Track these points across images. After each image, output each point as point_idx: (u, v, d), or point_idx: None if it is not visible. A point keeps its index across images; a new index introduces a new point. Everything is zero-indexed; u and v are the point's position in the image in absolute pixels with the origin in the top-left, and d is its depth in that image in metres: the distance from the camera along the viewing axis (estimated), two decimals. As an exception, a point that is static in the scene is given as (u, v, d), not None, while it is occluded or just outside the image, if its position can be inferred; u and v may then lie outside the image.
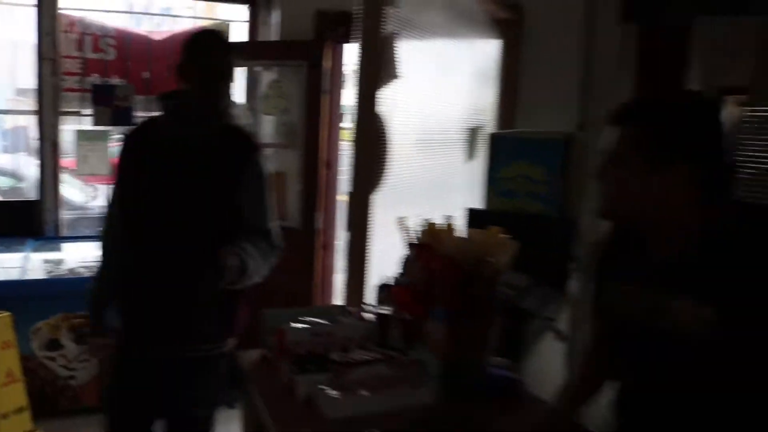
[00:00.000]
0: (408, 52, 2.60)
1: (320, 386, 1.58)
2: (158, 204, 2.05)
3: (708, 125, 1.36)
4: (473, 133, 3.35)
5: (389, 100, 2.28)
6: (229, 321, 2.10)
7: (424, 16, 2.69)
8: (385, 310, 1.85)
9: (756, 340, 1.21)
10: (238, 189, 2.05)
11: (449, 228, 1.88)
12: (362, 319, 1.94)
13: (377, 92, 2.08)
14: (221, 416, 3.00)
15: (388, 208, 2.31)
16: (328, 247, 4.26)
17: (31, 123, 4.78)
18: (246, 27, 4.65)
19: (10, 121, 4.58)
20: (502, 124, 3.50)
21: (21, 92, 4.85)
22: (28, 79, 4.49)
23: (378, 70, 2.03)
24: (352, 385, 1.59)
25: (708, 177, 1.34)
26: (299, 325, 1.80)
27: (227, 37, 2.10)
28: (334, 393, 1.54)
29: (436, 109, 3.15)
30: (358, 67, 2.05)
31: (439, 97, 3.26)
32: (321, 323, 1.84)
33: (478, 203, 3.19)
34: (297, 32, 4.11)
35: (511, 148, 3.11)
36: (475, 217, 3.06)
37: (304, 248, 4.12)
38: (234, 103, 2.12)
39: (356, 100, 2.06)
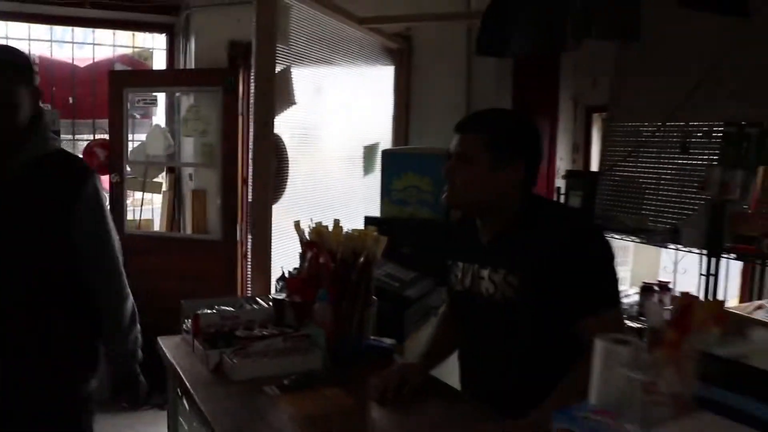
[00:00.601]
0: (305, 79, 3.03)
1: (226, 356, 1.98)
2: None
3: (534, 132, 1.81)
4: (370, 150, 3.81)
5: (286, 123, 2.70)
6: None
7: (318, 47, 3.12)
8: (281, 296, 2.26)
9: (543, 300, 1.67)
10: (68, 226, 1.87)
11: (334, 228, 2.32)
12: (263, 304, 2.35)
13: (273, 117, 2.48)
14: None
15: (289, 215, 2.72)
16: (247, 255, 4.61)
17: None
18: (165, 55, 4.99)
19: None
20: (397, 141, 3.97)
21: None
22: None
23: (272, 98, 2.43)
24: (254, 354, 2.00)
25: (531, 173, 1.79)
26: (210, 311, 2.19)
27: (12, 57, 1.85)
28: (235, 360, 1.95)
29: (336, 129, 3.60)
30: (255, 97, 2.46)
31: (338, 118, 3.70)
32: (228, 309, 2.24)
33: (376, 211, 3.63)
34: (212, 60, 4.48)
35: (401, 162, 3.56)
36: (371, 223, 3.50)
37: (226, 258, 4.48)
38: (45, 126, 1.92)
39: (254, 125, 2.46)
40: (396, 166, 3.58)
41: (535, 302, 1.67)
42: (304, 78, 3.01)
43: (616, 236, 3.12)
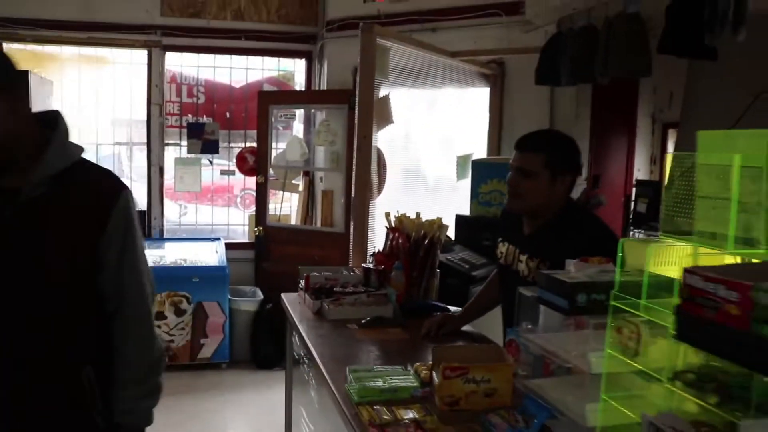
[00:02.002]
0: (405, 101, 3.81)
1: (325, 305, 2.79)
2: None
3: (577, 151, 2.27)
4: (463, 159, 4.51)
5: (388, 137, 3.47)
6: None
7: (416, 75, 3.88)
8: (370, 266, 3.04)
9: None
10: (95, 253, 1.57)
11: (414, 218, 3.07)
12: (358, 271, 3.14)
13: (372, 133, 3.26)
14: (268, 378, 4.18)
15: (387, 209, 3.49)
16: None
17: (122, 152, 6.23)
18: (304, 77, 5.97)
19: (106, 150, 6.00)
20: (491, 153, 4.64)
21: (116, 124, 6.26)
22: (126, 114, 5.88)
23: (371, 120, 3.21)
24: (344, 303, 2.79)
25: (573, 184, 2.27)
26: (317, 273, 3.01)
27: None
28: (331, 306, 2.75)
29: (432, 142, 4.36)
30: (357, 119, 3.24)
31: (434, 133, 4.45)
32: (330, 273, 3.05)
33: (466, 211, 4.33)
34: (341, 82, 5.36)
35: (488, 170, 4.24)
36: (460, 220, 4.21)
37: (346, 247, 5.33)
38: (61, 134, 1.59)
39: (356, 139, 3.26)
40: (483, 173, 4.26)
41: None
42: (404, 100, 3.80)
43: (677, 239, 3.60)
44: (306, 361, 2.68)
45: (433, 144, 4.38)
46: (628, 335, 1.32)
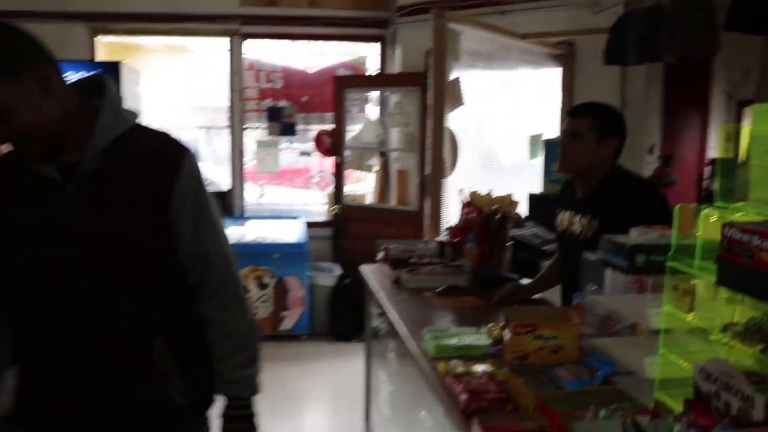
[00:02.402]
0: (481, 81, 3.95)
1: (402, 274, 2.98)
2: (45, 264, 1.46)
3: (622, 118, 2.56)
4: (535, 139, 4.62)
5: (458, 118, 3.64)
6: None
7: (487, 57, 4.01)
8: (444, 239, 3.22)
9: None
10: (170, 212, 1.49)
11: (485, 194, 3.22)
12: (433, 244, 3.32)
13: (444, 115, 3.43)
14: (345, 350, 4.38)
15: (460, 186, 3.66)
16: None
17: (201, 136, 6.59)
18: (378, 61, 6.15)
19: (187, 134, 6.38)
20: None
21: (197, 110, 6.60)
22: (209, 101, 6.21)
23: (443, 102, 3.38)
24: (420, 273, 2.98)
25: (619, 148, 2.51)
26: (395, 246, 3.21)
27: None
28: (408, 276, 2.94)
29: (504, 122, 4.48)
30: (431, 101, 3.41)
31: (510, 112, 4.57)
32: (407, 246, 3.24)
33: (538, 188, 4.45)
34: (413, 65, 5.51)
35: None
36: (533, 198, 4.33)
37: (420, 224, 5.51)
38: (111, 102, 1.50)
39: (431, 122, 3.43)
40: (555, 152, 4.35)
41: None
42: (477, 82, 3.95)
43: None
44: (384, 331, 2.89)
45: (506, 124, 4.51)
46: (683, 293, 1.46)
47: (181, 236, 1.51)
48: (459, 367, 1.89)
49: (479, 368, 1.87)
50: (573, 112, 2.57)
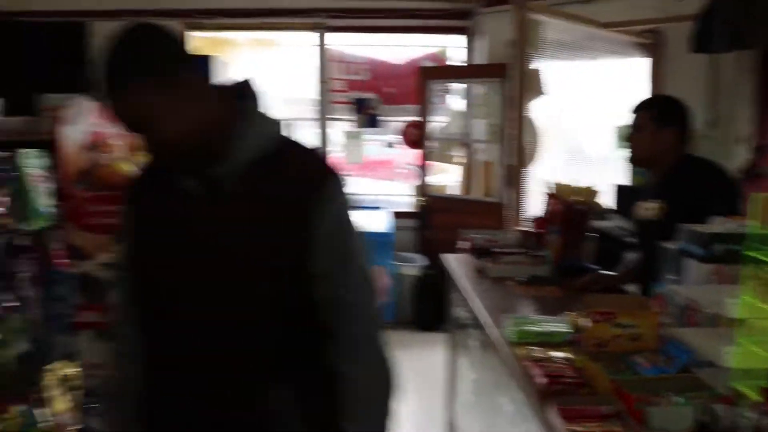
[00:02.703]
0: (562, 72, 3.94)
1: (486, 263, 3.05)
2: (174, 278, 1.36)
3: (684, 109, 2.65)
4: (622, 129, 4.56)
5: (539, 109, 3.66)
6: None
7: (569, 47, 3.99)
8: (527, 228, 3.26)
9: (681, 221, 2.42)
10: (306, 245, 1.31)
11: (567, 185, 3.24)
12: (516, 234, 3.37)
13: (525, 105, 3.46)
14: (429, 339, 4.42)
15: (545, 176, 3.69)
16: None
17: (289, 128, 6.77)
18: (462, 52, 6.19)
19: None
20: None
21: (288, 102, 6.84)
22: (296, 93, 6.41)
23: (524, 92, 3.41)
24: (503, 263, 3.04)
25: (684, 137, 2.61)
26: (479, 236, 3.28)
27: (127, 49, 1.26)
28: (491, 265, 3.01)
29: (588, 111, 4.45)
30: (511, 92, 3.45)
31: (596, 103, 4.53)
32: (491, 236, 3.31)
33: (625, 180, 4.40)
34: (497, 56, 5.51)
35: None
36: (620, 190, 4.30)
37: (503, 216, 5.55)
38: (252, 114, 1.37)
39: (513, 113, 3.47)
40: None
41: (675, 222, 2.43)
42: (559, 72, 3.95)
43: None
44: (466, 320, 2.97)
45: (592, 115, 4.48)
46: (761, 283, 1.47)
47: (315, 274, 1.32)
48: (538, 352, 1.96)
49: (558, 354, 1.93)
50: (635, 107, 2.70)
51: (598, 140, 4.61)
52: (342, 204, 1.34)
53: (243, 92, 1.38)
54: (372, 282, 1.40)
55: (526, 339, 2.07)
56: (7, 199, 1.95)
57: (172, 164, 1.34)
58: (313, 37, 6.06)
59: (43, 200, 2.38)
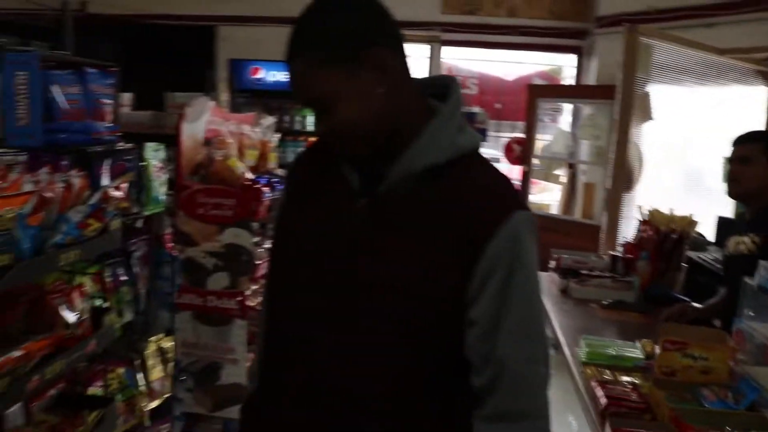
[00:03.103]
0: (674, 97, 3.87)
1: (570, 283, 3.06)
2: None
3: None
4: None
5: (645, 134, 3.61)
6: None
7: (682, 72, 3.91)
8: (617, 253, 3.23)
9: None
10: (471, 282, 1.10)
11: (663, 213, 3.19)
12: (605, 258, 3.35)
13: (630, 129, 3.43)
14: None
15: (649, 202, 3.63)
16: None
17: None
18: (573, 72, 6.16)
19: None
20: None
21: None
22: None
23: (629, 116, 3.38)
24: (589, 285, 3.03)
25: None
26: (567, 256, 3.29)
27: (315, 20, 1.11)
28: (576, 286, 3.02)
29: (701, 138, 4.32)
30: (618, 114, 3.42)
31: (707, 130, 4.40)
32: (580, 257, 3.30)
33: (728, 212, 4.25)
34: (609, 77, 5.44)
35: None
36: (720, 222, 4.15)
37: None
38: (447, 117, 1.16)
39: (616, 134, 3.45)
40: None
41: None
42: (668, 96, 3.87)
43: None
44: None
45: (702, 142, 4.35)
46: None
47: (474, 320, 1.11)
48: (606, 374, 1.98)
49: (626, 378, 1.94)
50: (743, 138, 2.64)
51: (708, 169, 4.46)
52: (520, 245, 1.09)
53: (443, 90, 1.20)
54: (544, 347, 1.14)
55: (597, 360, 2.09)
56: (127, 185, 2.18)
57: (340, 150, 1.18)
58: (425, 49, 6.19)
59: (160, 189, 2.62)
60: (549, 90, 6.20)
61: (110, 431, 2.09)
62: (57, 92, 1.95)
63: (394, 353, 1.13)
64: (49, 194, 1.59)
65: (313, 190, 1.24)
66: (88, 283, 2.12)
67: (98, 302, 2.13)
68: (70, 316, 1.77)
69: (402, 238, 1.12)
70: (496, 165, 1.21)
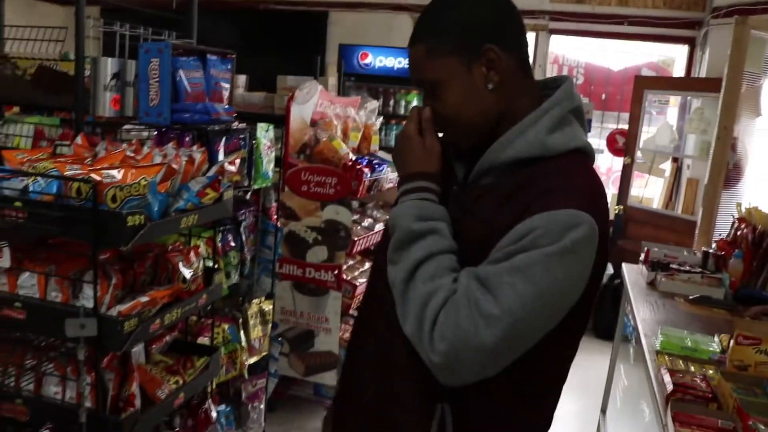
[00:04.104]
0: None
1: (660, 277, 3.08)
2: None
3: None
4: None
5: (754, 130, 3.53)
6: None
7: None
8: (710, 250, 3.21)
9: None
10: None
11: (762, 211, 3.15)
12: (698, 253, 3.33)
13: (733, 123, 3.37)
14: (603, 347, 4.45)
15: (738, 199, 3.57)
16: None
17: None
18: (683, 63, 5.99)
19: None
20: None
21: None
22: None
23: (734, 111, 3.32)
24: (677, 279, 3.05)
25: None
26: (658, 250, 3.30)
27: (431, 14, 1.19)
28: (663, 279, 3.04)
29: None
30: (720, 109, 3.38)
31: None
32: (670, 251, 3.31)
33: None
34: (721, 70, 5.28)
35: None
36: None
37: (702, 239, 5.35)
38: (541, 111, 1.17)
39: (717, 129, 3.40)
40: None
41: None
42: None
43: None
44: (630, 329, 3.03)
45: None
46: None
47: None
48: (679, 364, 2.04)
49: (697, 369, 2.00)
50: None
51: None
52: (556, 235, 1.04)
53: (554, 87, 1.21)
54: (498, 307, 1.05)
55: (671, 350, 2.15)
56: (240, 160, 2.42)
57: (448, 141, 1.24)
58: (531, 37, 6.19)
59: (268, 165, 2.86)
60: (657, 81, 6.06)
61: (214, 377, 2.35)
62: (182, 76, 2.19)
63: None
64: (175, 166, 1.83)
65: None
66: (202, 246, 2.38)
67: (210, 263, 2.39)
68: (187, 272, 2.02)
69: (470, 224, 1.17)
70: (584, 173, 1.16)
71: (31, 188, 1.72)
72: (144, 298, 1.79)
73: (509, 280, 1.04)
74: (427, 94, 1.20)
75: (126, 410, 1.86)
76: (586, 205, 1.07)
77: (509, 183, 1.15)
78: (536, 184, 1.11)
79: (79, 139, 2.05)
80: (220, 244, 2.61)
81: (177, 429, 2.18)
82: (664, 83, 6.05)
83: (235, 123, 2.54)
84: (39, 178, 1.72)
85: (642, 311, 2.74)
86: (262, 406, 3.04)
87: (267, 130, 2.87)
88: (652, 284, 3.10)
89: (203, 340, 2.52)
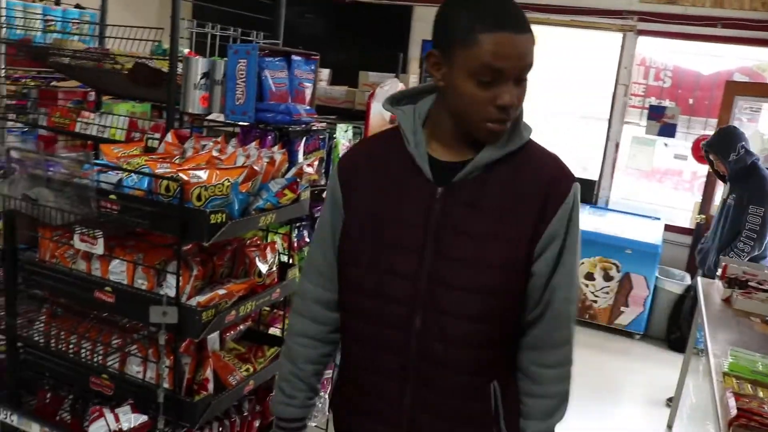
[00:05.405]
0: None
1: (736, 295, 3.00)
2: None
3: None
4: None
5: None
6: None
7: None
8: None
9: None
10: (537, 244, 1.33)
11: None
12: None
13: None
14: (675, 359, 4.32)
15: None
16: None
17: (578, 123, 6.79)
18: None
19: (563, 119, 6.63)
20: None
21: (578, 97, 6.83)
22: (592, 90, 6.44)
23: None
24: (754, 298, 2.96)
25: None
26: (737, 265, 3.21)
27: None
28: (739, 297, 2.96)
29: None
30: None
31: None
32: (751, 268, 3.21)
33: None
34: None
35: None
36: None
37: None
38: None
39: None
40: None
41: None
42: None
43: None
44: (701, 345, 2.97)
45: None
46: None
47: (534, 272, 1.34)
48: (746, 389, 2.01)
49: (765, 395, 1.96)
50: None
51: None
52: (576, 212, 1.35)
53: None
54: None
55: (740, 373, 2.12)
56: (317, 162, 2.50)
57: (497, 131, 1.34)
58: (617, 38, 6.06)
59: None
60: (750, 87, 5.82)
61: (284, 367, 2.44)
62: (268, 77, 2.29)
63: (477, 318, 1.31)
64: (256, 167, 1.93)
65: (384, 182, 1.38)
66: (278, 241, 2.49)
67: (285, 258, 2.49)
68: (263, 267, 2.12)
69: (481, 217, 1.31)
70: (544, 147, 1.41)
71: (124, 182, 1.85)
72: (222, 291, 1.90)
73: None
74: (518, 82, 1.26)
75: (200, 393, 1.98)
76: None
77: (502, 172, 1.33)
78: (539, 171, 1.34)
79: (169, 137, 2.18)
80: (295, 240, 2.71)
81: (246, 414, 2.29)
82: (758, 89, 5.81)
83: (315, 125, 2.63)
84: (132, 174, 1.85)
85: (713, 329, 2.69)
86: (327, 396, 3.13)
87: (346, 131, 2.95)
88: (727, 301, 3.03)
89: (275, 330, 2.63)
